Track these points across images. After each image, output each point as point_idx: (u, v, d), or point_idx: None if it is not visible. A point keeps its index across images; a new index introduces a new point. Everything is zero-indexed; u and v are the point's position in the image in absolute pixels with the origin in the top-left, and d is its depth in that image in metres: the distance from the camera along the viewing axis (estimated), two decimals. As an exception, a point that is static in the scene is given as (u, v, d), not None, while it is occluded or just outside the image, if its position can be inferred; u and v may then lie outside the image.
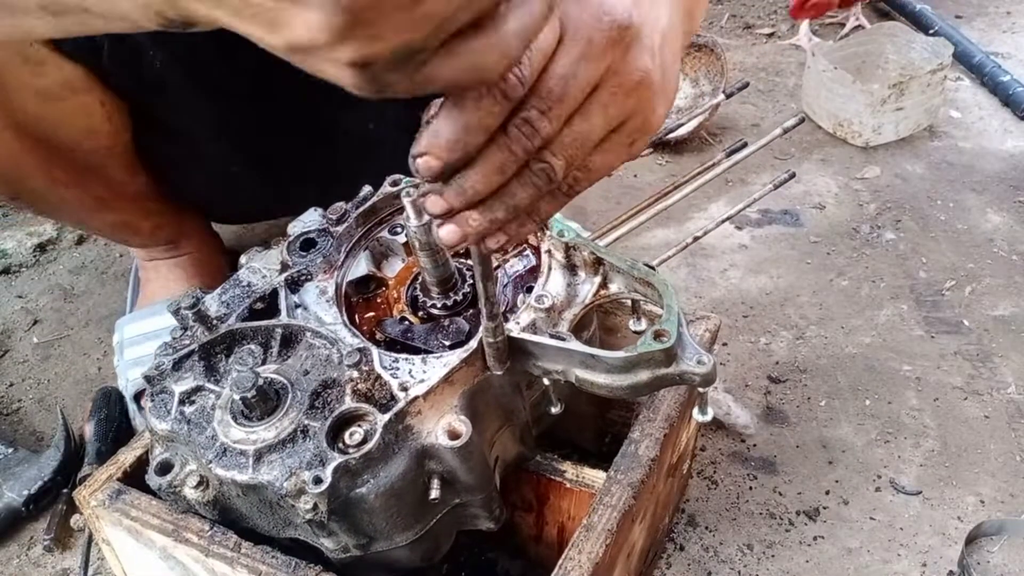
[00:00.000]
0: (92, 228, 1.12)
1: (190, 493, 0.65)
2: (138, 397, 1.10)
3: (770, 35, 2.12)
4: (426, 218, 0.69)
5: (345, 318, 0.70)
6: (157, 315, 1.14)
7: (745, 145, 0.87)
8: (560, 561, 0.65)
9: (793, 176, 0.89)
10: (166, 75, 0.93)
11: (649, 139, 0.49)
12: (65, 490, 1.02)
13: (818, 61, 1.67)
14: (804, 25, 2.02)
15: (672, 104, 0.50)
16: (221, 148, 1.07)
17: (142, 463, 0.73)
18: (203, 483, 0.65)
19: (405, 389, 0.63)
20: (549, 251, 0.72)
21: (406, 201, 0.68)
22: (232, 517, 0.67)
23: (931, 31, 1.94)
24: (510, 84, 0.41)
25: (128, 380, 1.11)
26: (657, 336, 0.61)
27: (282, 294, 0.72)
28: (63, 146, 0.92)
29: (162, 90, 0.95)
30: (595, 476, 0.74)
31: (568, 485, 0.75)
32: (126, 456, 0.75)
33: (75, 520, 0.99)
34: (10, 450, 1.06)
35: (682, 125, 1.00)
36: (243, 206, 1.25)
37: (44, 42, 0.83)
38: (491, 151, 0.43)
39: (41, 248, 1.44)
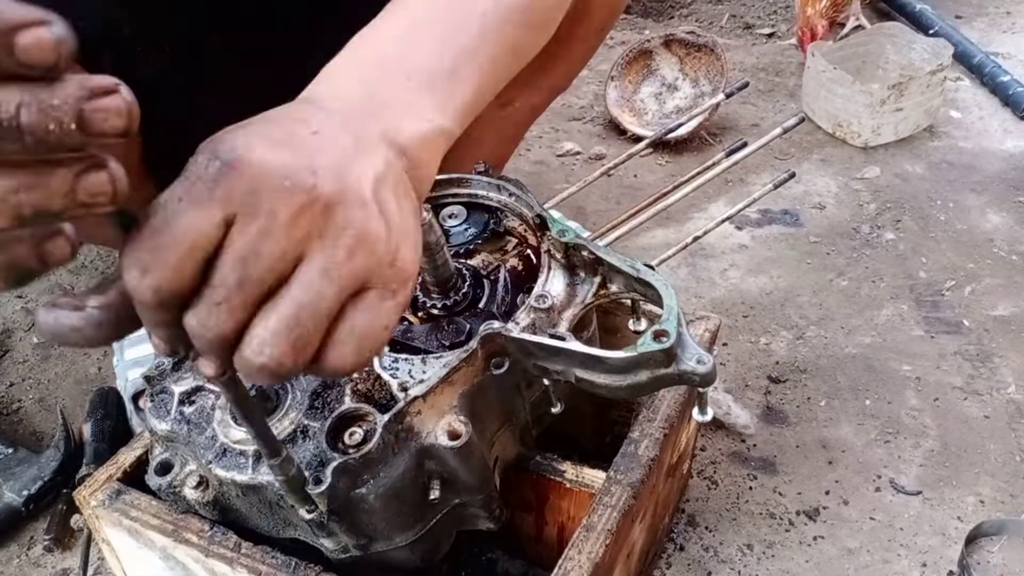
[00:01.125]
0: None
1: (190, 493, 0.65)
2: (136, 398, 1.09)
3: (770, 35, 2.12)
4: (426, 217, 0.69)
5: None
6: None
7: (745, 145, 0.87)
8: (560, 561, 0.66)
9: (793, 176, 0.89)
10: (161, 76, 0.92)
11: (408, 288, 0.44)
12: (65, 490, 1.02)
13: (817, 61, 1.67)
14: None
15: (416, 241, 0.46)
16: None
17: (142, 463, 0.73)
18: (203, 483, 0.65)
19: (405, 389, 0.63)
20: (548, 251, 0.72)
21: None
22: (232, 517, 0.67)
23: (931, 31, 1.94)
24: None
25: (127, 380, 1.11)
26: (657, 336, 0.60)
27: (282, 294, 0.72)
28: None
29: (159, 92, 0.95)
30: (595, 476, 0.74)
31: (568, 485, 0.75)
32: (126, 456, 0.75)
33: (75, 520, 0.99)
34: (10, 450, 1.06)
35: (682, 125, 1.00)
36: None
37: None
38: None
39: (41, 248, 1.44)
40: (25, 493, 1.00)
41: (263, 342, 0.38)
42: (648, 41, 1.82)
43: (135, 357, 1.12)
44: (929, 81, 1.62)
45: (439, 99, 0.53)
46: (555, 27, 0.68)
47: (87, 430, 1.06)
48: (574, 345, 0.63)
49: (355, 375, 0.63)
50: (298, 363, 0.40)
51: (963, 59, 1.88)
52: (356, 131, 0.46)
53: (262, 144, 0.40)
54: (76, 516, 0.99)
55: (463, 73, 0.56)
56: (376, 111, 0.49)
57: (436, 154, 0.52)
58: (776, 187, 0.87)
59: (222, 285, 0.38)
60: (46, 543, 0.98)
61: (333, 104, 0.49)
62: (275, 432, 0.62)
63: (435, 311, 0.74)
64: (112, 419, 1.08)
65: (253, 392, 0.62)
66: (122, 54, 0.88)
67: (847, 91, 1.62)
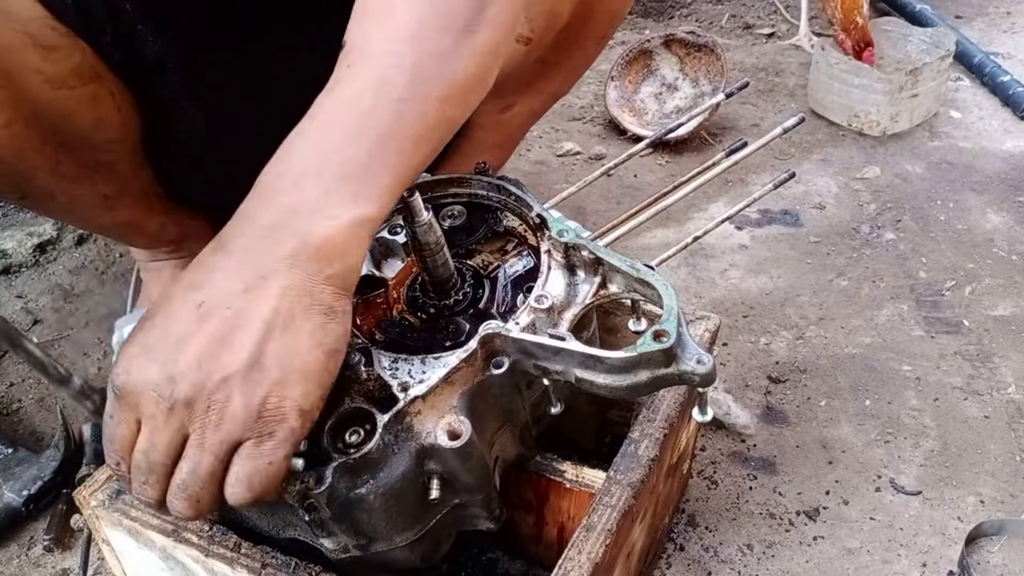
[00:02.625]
0: (98, 227, 1.11)
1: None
2: None
3: (770, 35, 2.12)
4: (426, 217, 0.69)
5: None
6: None
7: (745, 145, 0.87)
8: (560, 561, 0.65)
9: (793, 176, 0.89)
10: (164, 59, 0.92)
11: (288, 423, 0.54)
12: (65, 490, 1.02)
13: (828, 55, 1.68)
14: (804, 25, 2.02)
15: (306, 367, 0.55)
16: (221, 143, 1.07)
17: (142, 463, 0.73)
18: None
19: (405, 389, 0.63)
20: (548, 251, 0.72)
21: (406, 201, 0.68)
22: (232, 517, 0.67)
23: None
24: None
25: None
26: (657, 336, 0.60)
27: (282, 294, 0.72)
28: (72, 139, 0.90)
29: (162, 75, 0.94)
30: (595, 476, 0.74)
31: (568, 485, 0.75)
32: (126, 456, 0.75)
33: (75, 520, 0.99)
34: (10, 450, 1.06)
35: (682, 125, 1.00)
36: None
37: (56, 25, 0.82)
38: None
39: (41, 248, 1.44)
40: (25, 493, 1.00)
41: (171, 502, 0.56)
42: (648, 41, 1.82)
43: None
44: (939, 67, 1.65)
45: (353, 191, 0.58)
46: (480, 97, 0.68)
47: (87, 430, 1.06)
48: (574, 345, 0.63)
49: (355, 376, 0.63)
50: (200, 511, 0.56)
51: (963, 59, 1.89)
52: (255, 270, 0.55)
53: (136, 364, 0.55)
54: (76, 516, 0.99)
55: (381, 159, 0.59)
56: (284, 225, 0.57)
57: (356, 242, 0.58)
58: (776, 187, 0.87)
59: (138, 471, 0.56)
60: (46, 543, 0.98)
61: (237, 242, 0.57)
62: None
63: (435, 311, 0.74)
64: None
65: None
66: (126, 35, 0.87)
67: (864, 80, 1.63)
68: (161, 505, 0.56)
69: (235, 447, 0.54)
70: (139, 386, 0.54)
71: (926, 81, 1.64)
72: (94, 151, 0.93)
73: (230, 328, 0.54)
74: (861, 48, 1.70)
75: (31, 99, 0.83)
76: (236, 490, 0.54)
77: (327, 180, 0.58)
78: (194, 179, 1.12)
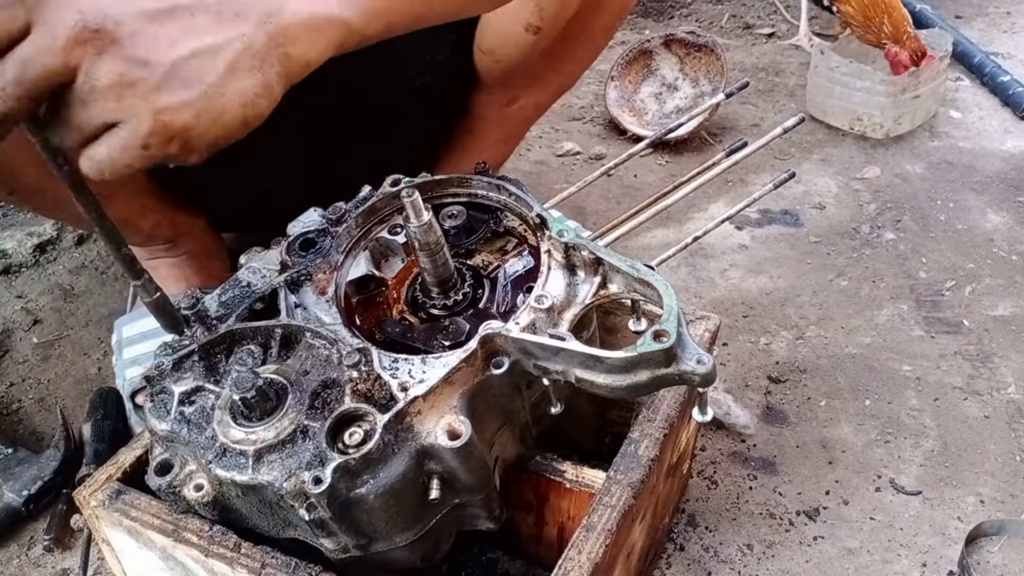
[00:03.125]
0: (91, 225, 1.11)
1: (189, 493, 0.65)
2: (134, 395, 1.09)
3: (770, 35, 2.12)
4: (426, 217, 0.69)
5: (345, 318, 0.70)
6: None
7: (745, 145, 0.87)
8: (560, 561, 0.65)
9: (793, 176, 0.89)
10: None
11: (179, 139, 0.53)
12: (65, 490, 1.02)
13: (828, 58, 1.67)
14: (803, 25, 2.02)
15: (219, 112, 0.54)
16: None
17: (142, 463, 0.73)
18: (203, 484, 0.65)
19: (405, 389, 0.63)
20: (548, 251, 0.72)
21: (406, 201, 0.68)
22: (232, 517, 0.67)
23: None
24: None
25: (126, 379, 1.11)
26: (657, 336, 0.61)
27: (282, 294, 0.72)
28: None
29: None
30: (595, 476, 0.74)
31: (568, 485, 0.75)
32: (126, 456, 0.75)
33: (75, 520, 0.99)
34: (10, 450, 1.06)
35: (682, 125, 1.00)
36: (238, 206, 1.25)
37: None
38: None
39: (41, 248, 1.44)
40: (25, 493, 1.00)
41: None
42: (648, 41, 1.82)
43: (133, 356, 1.13)
44: (939, 67, 1.65)
45: None
46: None
47: (87, 430, 1.06)
48: (574, 345, 0.63)
49: (355, 375, 0.64)
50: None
51: (963, 59, 1.89)
52: (231, 5, 0.54)
53: None
54: (76, 516, 0.99)
55: None
56: None
57: (325, 41, 0.58)
58: (776, 187, 0.87)
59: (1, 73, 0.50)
60: (46, 543, 0.98)
61: None
62: (275, 432, 0.63)
63: (435, 311, 0.74)
64: (112, 419, 1.08)
65: (253, 394, 0.62)
66: None
67: (867, 83, 1.62)
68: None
69: (105, 127, 0.52)
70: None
71: (926, 82, 1.64)
72: None
73: (184, 27, 0.53)
74: (919, 57, 1.64)
75: None
76: (84, 162, 0.53)
77: None
78: (190, 175, 1.12)
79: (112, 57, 0.51)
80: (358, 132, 1.14)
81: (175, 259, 1.19)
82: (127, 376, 1.11)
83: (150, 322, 1.12)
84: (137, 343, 1.14)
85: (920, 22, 2.00)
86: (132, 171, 0.53)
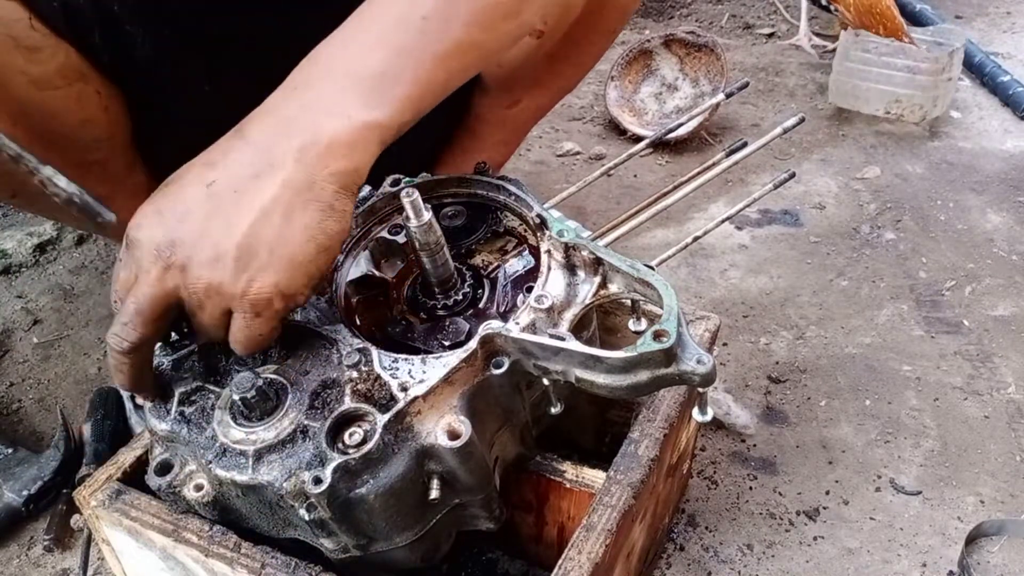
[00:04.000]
0: (94, 227, 1.11)
1: (189, 493, 0.65)
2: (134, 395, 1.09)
3: (770, 35, 2.12)
4: (426, 217, 0.69)
5: (345, 318, 0.70)
6: None
7: (745, 145, 0.87)
8: (560, 561, 0.65)
9: (793, 176, 0.89)
10: (154, 58, 0.92)
11: (273, 306, 0.60)
12: (65, 490, 1.02)
13: (864, 40, 1.64)
14: (803, 25, 2.02)
15: (293, 255, 0.60)
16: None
17: (142, 463, 0.73)
18: (203, 484, 0.65)
19: (405, 389, 0.63)
20: (548, 251, 0.72)
21: (406, 201, 0.68)
22: (232, 517, 0.67)
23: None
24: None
25: None
26: (657, 336, 0.60)
27: (282, 294, 0.72)
28: (60, 138, 0.90)
29: (153, 74, 0.94)
30: (595, 476, 0.74)
31: (568, 485, 0.75)
32: (126, 456, 0.75)
33: (75, 520, 0.99)
34: (10, 450, 1.06)
35: (682, 125, 1.00)
36: None
37: (39, 26, 0.82)
38: None
39: (41, 248, 1.44)
40: (25, 493, 1.00)
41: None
42: (648, 41, 1.82)
43: None
44: (959, 57, 1.66)
45: (365, 95, 0.62)
46: (515, 26, 0.72)
47: (87, 430, 1.06)
48: (574, 345, 0.63)
49: (355, 375, 0.64)
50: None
51: (963, 59, 1.88)
52: (265, 158, 0.60)
53: (147, 222, 0.61)
54: (76, 516, 0.99)
55: (397, 70, 0.63)
56: (299, 119, 0.62)
57: (364, 144, 0.62)
58: (776, 187, 0.87)
59: (123, 312, 0.61)
60: (46, 543, 0.98)
61: (255, 129, 0.63)
62: (275, 432, 0.63)
63: (435, 311, 0.74)
64: (112, 419, 1.08)
65: (253, 394, 0.62)
66: (115, 36, 0.87)
67: (910, 62, 1.60)
68: (128, 352, 0.61)
69: (226, 315, 0.61)
70: (144, 242, 0.60)
71: (955, 67, 1.62)
72: (83, 150, 0.93)
73: (232, 210, 0.59)
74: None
75: (17, 99, 0.84)
76: (235, 347, 0.63)
77: (342, 82, 0.63)
78: None
79: (193, 268, 0.59)
80: None
81: None
82: None
83: None
84: None
85: (920, 22, 2.00)
86: (274, 333, 0.63)
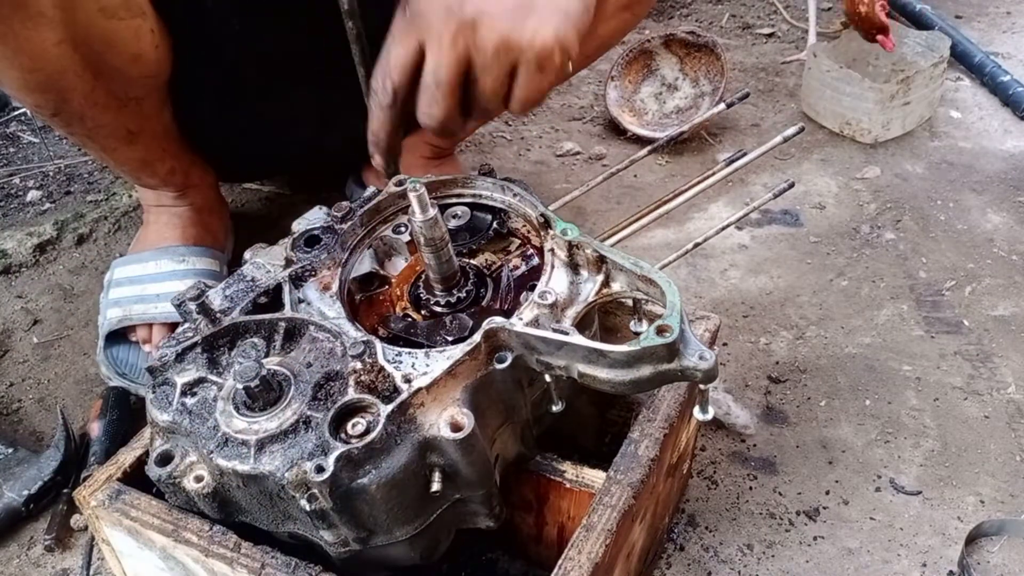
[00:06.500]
0: (114, 160, 1.16)
1: (189, 484, 0.65)
2: (110, 336, 1.15)
3: (770, 35, 2.12)
4: (432, 212, 0.69)
5: (348, 313, 0.71)
6: (145, 261, 1.19)
7: (744, 155, 0.88)
8: (560, 561, 0.65)
9: (792, 186, 0.89)
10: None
11: (556, 58, 0.68)
12: (65, 490, 1.02)
13: (821, 62, 1.67)
14: (812, 34, 2.00)
15: (566, 14, 0.68)
16: (248, 90, 1.14)
17: (142, 463, 0.73)
18: (203, 475, 0.65)
19: (408, 381, 0.63)
20: (552, 250, 0.72)
21: (412, 196, 0.68)
22: (231, 510, 0.67)
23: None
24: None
25: (106, 318, 1.16)
26: (660, 331, 0.61)
27: (286, 289, 0.72)
28: (111, 69, 0.95)
29: (205, 15, 1.01)
30: (595, 476, 0.74)
31: (568, 485, 0.75)
32: (126, 456, 0.75)
33: (75, 520, 0.99)
34: (10, 450, 1.06)
35: (683, 133, 1.01)
36: (251, 155, 1.32)
37: None
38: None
39: (41, 248, 1.44)
40: (25, 493, 1.00)
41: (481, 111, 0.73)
42: (648, 41, 1.82)
43: (117, 297, 1.16)
44: (932, 74, 1.64)
45: None
46: None
47: (97, 428, 1.06)
48: (577, 339, 0.63)
49: (358, 367, 0.64)
50: (480, 123, 0.80)
51: (963, 59, 1.88)
52: None
53: None
54: (76, 516, 0.99)
55: None
56: None
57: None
58: (775, 196, 0.88)
59: (426, 89, 0.69)
60: (46, 543, 0.98)
61: None
62: (277, 422, 0.63)
63: (438, 308, 0.74)
64: (126, 421, 1.09)
65: (256, 383, 0.62)
66: None
67: (856, 89, 1.62)
68: (444, 122, 0.70)
69: (510, 76, 0.68)
70: (435, 4, 0.67)
71: (918, 88, 1.63)
72: (127, 85, 0.99)
73: None
74: (873, 35, 1.66)
75: (83, 24, 0.88)
76: (515, 106, 0.70)
77: None
78: (213, 125, 1.18)
79: (485, 20, 0.66)
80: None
81: (179, 209, 1.23)
82: (108, 316, 1.16)
83: (139, 268, 1.18)
84: (124, 286, 1.18)
85: (920, 22, 2.00)
86: (549, 90, 0.71)
